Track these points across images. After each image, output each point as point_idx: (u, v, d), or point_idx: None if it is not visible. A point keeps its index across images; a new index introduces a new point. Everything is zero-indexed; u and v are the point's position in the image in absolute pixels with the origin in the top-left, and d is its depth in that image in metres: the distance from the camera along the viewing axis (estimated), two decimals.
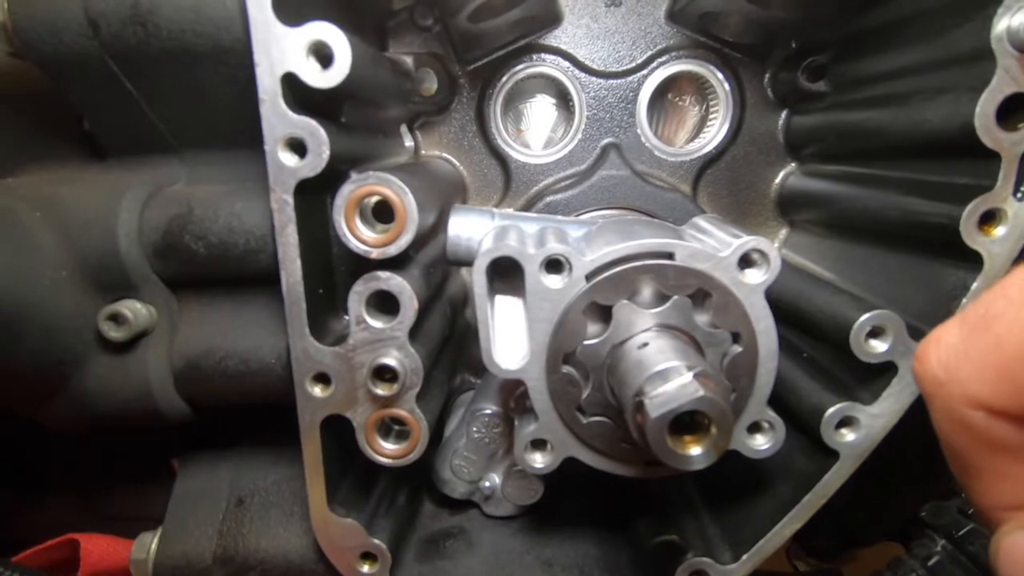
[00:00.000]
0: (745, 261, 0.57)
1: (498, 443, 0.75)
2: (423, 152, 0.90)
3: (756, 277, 0.57)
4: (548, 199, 0.87)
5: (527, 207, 0.89)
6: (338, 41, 0.51)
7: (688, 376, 0.48)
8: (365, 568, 0.65)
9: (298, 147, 0.54)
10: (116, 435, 0.72)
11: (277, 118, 0.53)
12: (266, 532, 0.69)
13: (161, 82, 0.59)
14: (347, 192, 0.55)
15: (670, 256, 0.58)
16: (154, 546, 0.70)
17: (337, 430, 0.62)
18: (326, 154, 0.54)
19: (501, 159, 0.90)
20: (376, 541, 0.64)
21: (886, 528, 1.04)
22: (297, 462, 0.74)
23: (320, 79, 0.52)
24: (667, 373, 0.50)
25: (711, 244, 0.60)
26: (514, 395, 0.74)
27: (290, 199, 0.55)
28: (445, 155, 0.90)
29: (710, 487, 0.72)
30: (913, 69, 0.61)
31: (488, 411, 0.75)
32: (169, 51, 0.56)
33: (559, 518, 0.78)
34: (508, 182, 0.90)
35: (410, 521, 0.76)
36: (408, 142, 0.87)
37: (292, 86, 0.53)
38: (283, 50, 0.52)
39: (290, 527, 0.69)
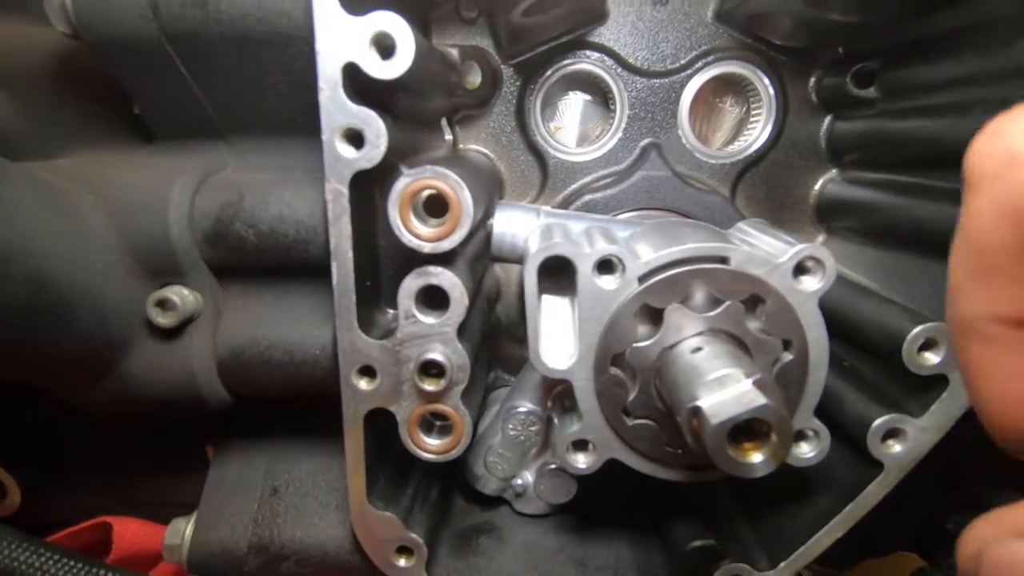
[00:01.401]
0: (800, 268, 0.57)
1: (533, 441, 0.75)
2: (461, 146, 0.89)
3: (811, 285, 0.57)
4: (587, 197, 0.86)
5: (564, 204, 0.89)
6: (403, 32, 0.51)
7: (747, 383, 0.48)
8: (401, 562, 0.65)
9: (355, 138, 0.54)
10: (154, 420, 0.72)
11: (336, 108, 0.53)
12: (301, 522, 0.69)
13: (216, 68, 0.58)
14: (403, 186, 0.55)
15: (723, 260, 0.58)
16: (189, 532, 0.70)
17: (374, 424, 0.62)
18: (383, 145, 0.53)
19: (539, 155, 0.89)
20: (413, 535, 0.64)
21: (905, 538, 1.04)
22: (333, 453, 0.74)
23: (382, 70, 0.52)
24: (725, 380, 0.49)
25: (764, 250, 0.59)
26: (551, 394, 0.73)
27: (345, 190, 0.54)
28: (483, 149, 0.90)
29: (748, 494, 0.71)
30: (976, 79, 0.60)
31: (524, 409, 0.75)
32: (228, 36, 0.55)
33: (592, 518, 0.78)
34: (545, 179, 0.90)
35: (443, 516, 0.76)
36: (447, 135, 0.86)
37: (351, 76, 0.52)
38: (346, 39, 0.51)
39: (325, 518, 0.69)
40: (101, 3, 0.53)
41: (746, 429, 0.48)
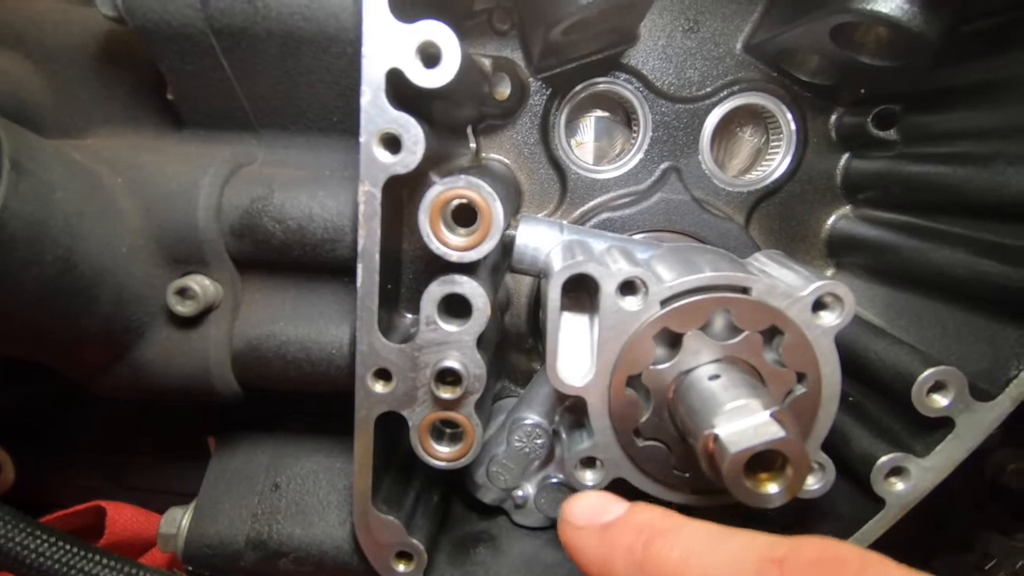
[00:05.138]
0: (819, 303, 0.58)
1: (537, 454, 0.75)
2: (483, 155, 0.90)
3: (830, 320, 0.58)
4: (604, 215, 0.87)
5: (581, 220, 0.89)
6: (449, 43, 0.51)
7: (765, 415, 0.49)
8: (401, 567, 0.65)
9: (393, 143, 0.54)
10: (157, 408, 0.71)
11: (376, 111, 0.53)
12: (301, 520, 0.69)
13: (257, 62, 0.58)
14: (436, 194, 0.55)
15: (745, 290, 0.59)
16: (186, 522, 0.69)
17: (382, 427, 0.62)
18: (420, 152, 0.54)
19: (560, 170, 0.90)
20: (414, 541, 0.64)
21: None
22: (336, 453, 0.74)
23: (425, 78, 0.52)
24: (743, 410, 0.50)
25: (784, 282, 0.60)
26: (559, 409, 0.74)
27: (378, 193, 0.55)
28: (505, 160, 0.90)
29: (746, 522, 0.72)
30: (1000, 132, 0.62)
31: (530, 421, 0.75)
32: (273, 32, 0.55)
33: None
34: (564, 193, 0.90)
35: (442, 523, 0.76)
36: (471, 144, 0.87)
37: (394, 82, 0.53)
38: (393, 45, 0.52)
39: (325, 517, 0.69)
40: None
41: (761, 460, 0.48)
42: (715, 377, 0.55)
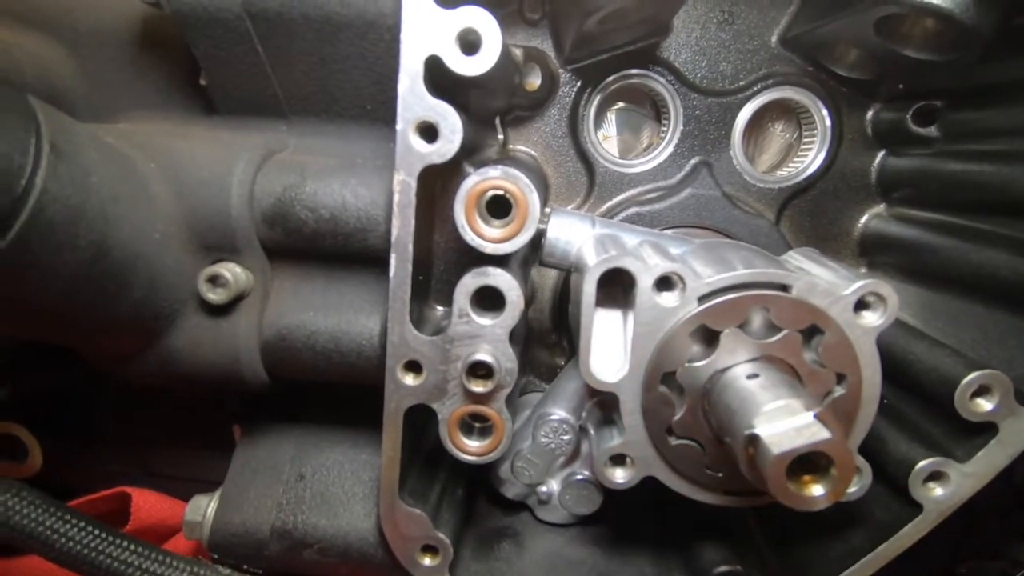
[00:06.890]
0: (861, 303, 0.57)
1: (563, 450, 0.74)
2: (510, 146, 0.89)
3: (872, 320, 0.57)
4: (633, 210, 0.86)
5: (609, 214, 0.88)
6: (490, 29, 0.50)
7: (809, 416, 0.47)
8: (426, 561, 0.64)
9: (430, 131, 0.53)
10: (183, 396, 0.71)
11: (414, 99, 0.52)
12: (326, 511, 0.68)
13: (292, 48, 0.58)
14: (472, 184, 0.54)
15: (784, 288, 0.57)
16: (211, 510, 0.69)
17: (409, 419, 0.61)
18: (457, 141, 0.53)
19: (588, 163, 0.89)
20: (440, 534, 0.63)
21: None
22: (361, 444, 0.73)
23: (465, 66, 0.51)
24: (785, 410, 0.49)
25: (825, 280, 0.59)
26: (588, 404, 0.73)
27: (414, 183, 0.54)
28: (532, 152, 0.89)
29: (776, 523, 0.71)
30: None
31: (557, 417, 0.74)
32: (310, 17, 0.55)
33: (615, 532, 0.77)
34: (592, 187, 0.89)
35: (467, 517, 0.75)
36: (499, 135, 0.86)
37: (432, 69, 0.52)
38: (432, 32, 0.51)
39: (350, 509, 0.69)
40: None
41: (803, 462, 0.47)
42: (753, 376, 0.54)
